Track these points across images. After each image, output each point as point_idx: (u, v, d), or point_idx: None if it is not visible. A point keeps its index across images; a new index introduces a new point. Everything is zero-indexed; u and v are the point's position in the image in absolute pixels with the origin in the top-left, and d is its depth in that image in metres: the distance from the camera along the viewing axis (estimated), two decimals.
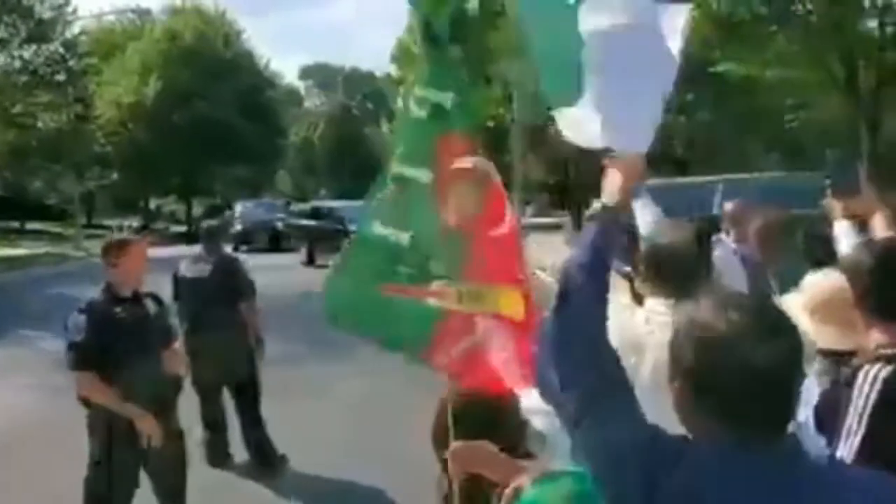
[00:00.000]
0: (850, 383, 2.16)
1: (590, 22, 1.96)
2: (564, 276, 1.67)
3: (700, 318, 1.39)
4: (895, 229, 2.69)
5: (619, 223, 1.85)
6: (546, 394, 1.61)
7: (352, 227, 20.29)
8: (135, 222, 46.00)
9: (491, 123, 39.92)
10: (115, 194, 46.09)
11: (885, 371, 2.10)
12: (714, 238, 5.25)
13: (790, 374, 1.35)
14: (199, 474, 5.04)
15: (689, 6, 2.08)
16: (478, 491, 2.02)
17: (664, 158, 24.36)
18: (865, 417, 2.06)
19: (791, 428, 1.39)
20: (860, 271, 2.32)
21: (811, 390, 2.41)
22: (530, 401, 2.15)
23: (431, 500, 2.78)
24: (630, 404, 1.50)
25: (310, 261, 21.79)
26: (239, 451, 6.22)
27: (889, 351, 2.15)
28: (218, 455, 6.16)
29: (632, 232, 3.23)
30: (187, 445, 4.54)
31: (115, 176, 42.92)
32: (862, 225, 3.37)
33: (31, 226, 39.73)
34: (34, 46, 31.99)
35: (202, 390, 6.02)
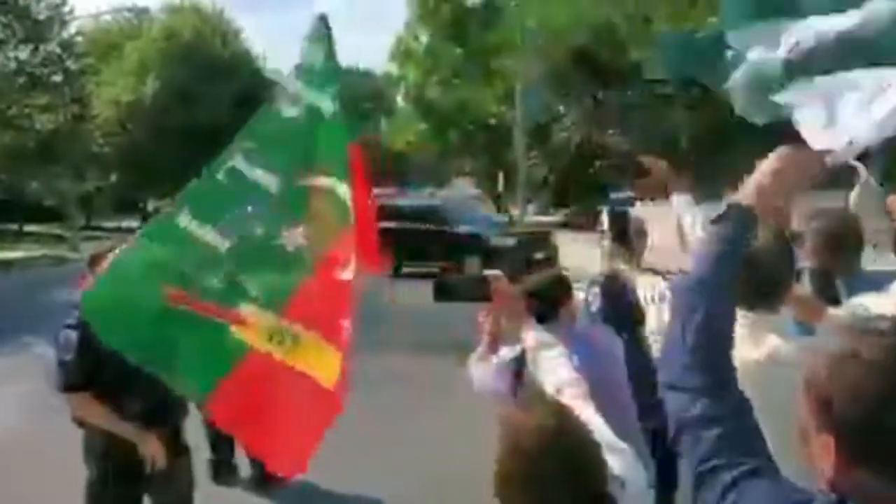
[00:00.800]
0: None
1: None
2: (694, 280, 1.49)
3: (852, 356, 1.11)
4: None
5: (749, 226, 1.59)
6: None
7: None
8: (134, 224, 45.95)
9: (493, 121, 39.85)
10: (114, 196, 45.88)
11: None
12: None
13: None
14: (204, 490, 4.82)
15: None
16: None
17: (668, 152, 24.15)
18: None
19: None
20: None
21: None
22: (603, 434, 1.88)
23: None
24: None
25: None
26: (244, 466, 6.03)
27: None
28: (222, 471, 6.00)
29: None
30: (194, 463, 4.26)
31: (113, 177, 42.70)
32: None
33: (28, 228, 39.50)
34: (30, 47, 31.78)
35: None
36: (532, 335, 2.39)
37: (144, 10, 42.77)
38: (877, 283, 3.20)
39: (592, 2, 28.05)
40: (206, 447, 5.93)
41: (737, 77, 1.75)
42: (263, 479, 5.80)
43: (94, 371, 3.62)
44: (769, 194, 1.60)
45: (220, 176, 3.93)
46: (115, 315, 3.37)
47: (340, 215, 3.63)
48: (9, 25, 30.75)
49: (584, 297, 4.19)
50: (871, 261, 3.77)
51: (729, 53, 1.75)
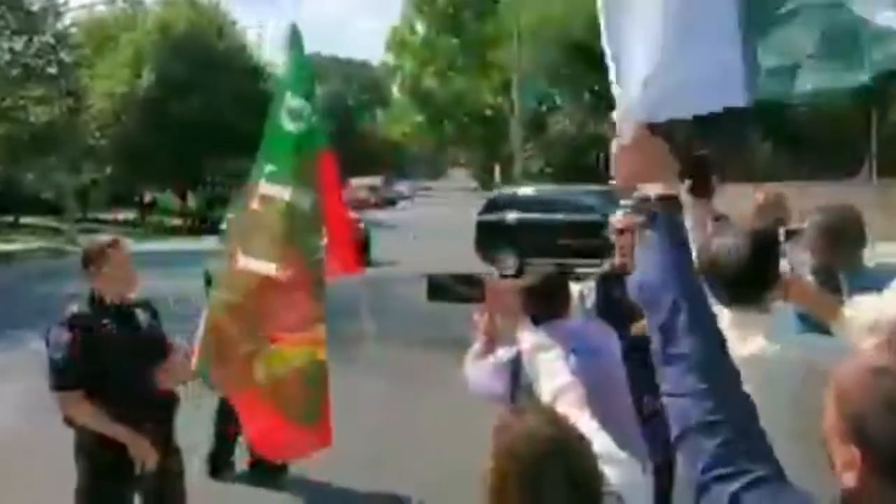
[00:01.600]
0: None
1: None
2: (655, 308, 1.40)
3: (887, 371, 1.08)
4: None
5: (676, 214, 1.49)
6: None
7: None
8: (130, 216, 45.78)
9: (489, 112, 39.78)
10: (110, 188, 45.72)
11: None
12: None
13: None
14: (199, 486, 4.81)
15: None
16: None
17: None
18: None
19: None
20: None
21: None
22: (601, 444, 1.86)
23: None
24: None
25: None
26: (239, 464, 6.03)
27: None
28: (221, 467, 6.01)
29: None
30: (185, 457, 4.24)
31: (109, 169, 42.54)
32: None
33: (25, 220, 39.38)
34: (24, 38, 31.57)
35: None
36: (528, 336, 2.37)
37: (139, 2, 42.58)
38: (879, 279, 3.19)
39: None
40: (205, 444, 5.93)
41: None
42: (265, 471, 5.80)
43: (85, 370, 3.57)
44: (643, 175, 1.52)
45: (254, 205, 4.17)
46: None
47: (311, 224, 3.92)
48: (2, 17, 30.53)
49: (579, 292, 4.17)
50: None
51: None
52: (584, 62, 29.86)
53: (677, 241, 1.45)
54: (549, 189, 19.44)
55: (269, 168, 4.05)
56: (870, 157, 16.99)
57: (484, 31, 36.76)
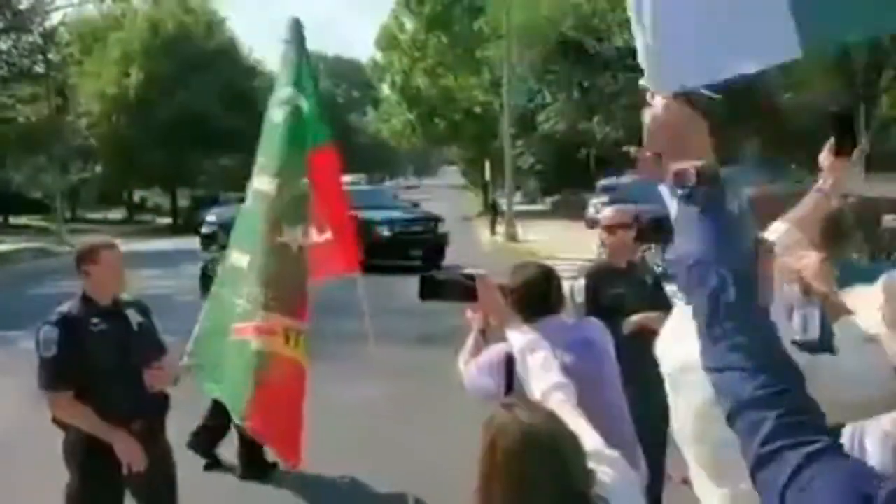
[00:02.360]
0: None
1: None
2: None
3: None
4: None
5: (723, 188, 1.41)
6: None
7: None
8: (119, 215, 45.62)
9: (479, 110, 39.76)
10: (99, 187, 45.55)
11: None
12: None
13: None
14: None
15: None
16: None
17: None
18: None
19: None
20: None
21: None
22: (594, 443, 1.86)
23: None
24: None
25: None
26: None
27: None
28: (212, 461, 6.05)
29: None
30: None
31: (98, 169, 42.37)
32: None
33: (14, 220, 39.20)
34: (12, 38, 31.39)
35: None
36: (519, 336, 2.36)
37: (127, 1, 42.36)
38: (868, 273, 3.19)
39: None
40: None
41: None
42: (258, 470, 5.81)
43: (75, 370, 3.55)
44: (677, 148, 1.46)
45: (247, 202, 4.10)
46: (211, 366, 3.81)
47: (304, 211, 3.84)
48: None
49: (570, 288, 4.18)
50: None
51: None
52: (574, 59, 29.90)
53: (723, 216, 1.39)
54: None
55: (260, 160, 4.03)
56: (860, 151, 17.03)
57: (473, 28, 36.71)
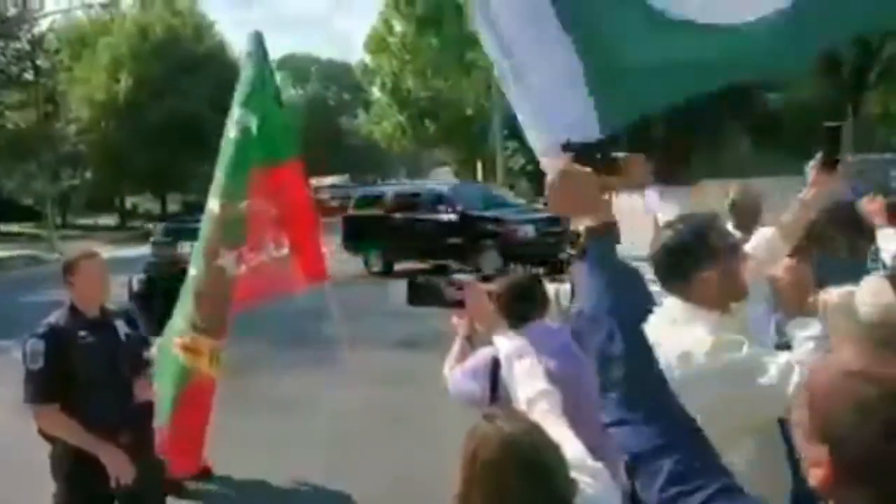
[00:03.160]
0: None
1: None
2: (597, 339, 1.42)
3: (861, 374, 1.07)
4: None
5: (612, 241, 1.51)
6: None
7: None
8: (110, 221, 45.46)
9: (470, 111, 39.73)
10: (90, 193, 45.40)
11: None
12: None
13: None
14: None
15: None
16: None
17: (644, 141, 24.20)
18: None
19: None
20: None
21: None
22: (577, 453, 1.88)
23: None
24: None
25: None
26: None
27: None
28: None
29: None
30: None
31: (88, 175, 42.23)
32: None
33: (5, 227, 39.03)
34: (0, 45, 31.29)
35: None
36: (504, 342, 2.38)
37: (114, 5, 42.25)
38: (847, 268, 3.23)
39: None
40: None
41: None
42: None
43: (61, 383, 3.54)
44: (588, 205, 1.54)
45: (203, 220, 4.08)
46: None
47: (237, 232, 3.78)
48: None
49: (555, 292, 4.19)
50: None
51: None
52: None
53: (609, 270, 1.46)
54: None
55: (216, 176, 3.99)
56: (845, 150, 17.16)
57: (463, 30, 36.70)
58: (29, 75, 32.27)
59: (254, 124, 3.84)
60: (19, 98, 32.21)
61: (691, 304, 2.31)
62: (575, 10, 1.69)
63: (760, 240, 3.19)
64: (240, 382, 8.59)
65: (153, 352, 4.00)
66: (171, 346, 3.71)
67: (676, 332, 2.23)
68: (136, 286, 6.41)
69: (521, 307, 2.98)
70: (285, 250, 3.90)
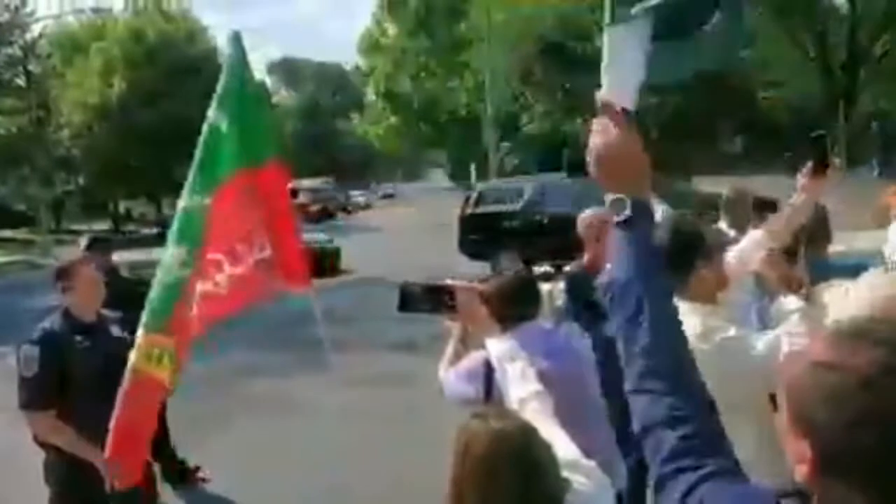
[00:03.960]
0: None
1: None
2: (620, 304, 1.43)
3: (838, 365, 1.07)
4: None
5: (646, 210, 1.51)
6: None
7: None
8: (104, 226, 45.38)
9: (464, 113, 39.80)
10: (84, 198, 45.33)
11: None
12: (713, 227, 5.05)
13: None
14: None
15: None
16: None
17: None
18: None
19: None
20: None
21: None
22: (569, 452, 1.88)
23: None
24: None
25: None
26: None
27: None
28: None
29: None
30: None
31: (81, 180, 42.19)
32: None
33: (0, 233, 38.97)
34: None
35: None
36: (496, 344, 2.38)
37: (107, 11, 42.25)
38: (842, 266, 3.26)
39: None
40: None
41: None
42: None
43: (55, 389, 3.52)
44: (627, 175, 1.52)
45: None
46: None
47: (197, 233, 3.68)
48: None
49: (549, 292, 4.19)
50: None
51: None
52: (556, 61, 29.99)
53: (647, 244, 1.48)
54: None
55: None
56: (839, 148, 17.22)
57: (455, 31, 36.77)
58: (21, 81, 32.21)
59: (224, 124, 3.77)
60: (12, 104, 32.13)
61: (686, 300, 2.36)
62: None
63: (750, 242, 3.23)
64: (240, 384, 8.63)
65: None
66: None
67: None
68: None
69: (514, 308, 2.97)
70: (268, 252, 3.84)
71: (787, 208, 3.07)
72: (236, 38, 4.00)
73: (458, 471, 1.69)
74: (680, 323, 1.46)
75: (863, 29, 18.29)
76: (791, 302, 2.45)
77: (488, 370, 2.73)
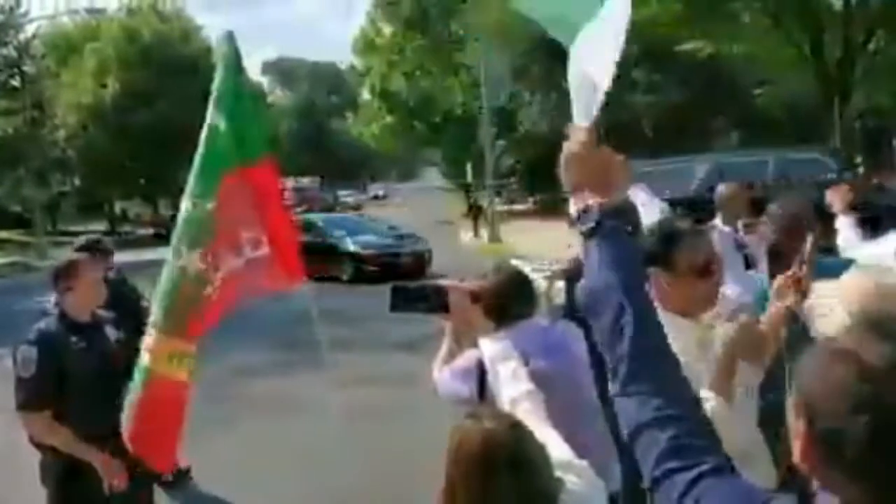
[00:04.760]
0: None
1: None
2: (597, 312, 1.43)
3: (847, 355, 1.07)
4: None
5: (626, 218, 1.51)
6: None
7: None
8: (100, 227, 45.29)
9: (459, 112, 39.76)
10: (79, 199, 45.26)
11: None
12: (709, 224, 5.07)
13: None
14: None
15: None
16: None
17: (633, 138, 24.28)
18: None
19: None
20: None
21: None
22: (561, 452, 1.89)
23: None
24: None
25: None
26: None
27: None
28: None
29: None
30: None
31: (77, 181, 42.12)
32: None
33: None
34: None
35: None
36: (489, 344, 2.38)
37: (101, 11, 42.14)
38: (832, 266, 3.26)
39: None
40: None
41: None
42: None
43: (52, 390, 3.51)
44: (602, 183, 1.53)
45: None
46: None
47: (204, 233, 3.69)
48: None
49: (545, 289, 4.18)
50: None
51: None
52: (550, 59, 29.97)
53: (621, 248, 1.48)
54: None
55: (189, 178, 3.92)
56: (833, 144, 17.26)
57: (450, 30, 36.76)
58: (16, 82, 32.15)
59: (222, 123, 3.78)
60: (6, 104, 32.07)
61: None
62: None
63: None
64: (240, 385, 8.63)
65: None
66: (141, 349, 3.65)
67: None
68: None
69: (510, 306, 2.97)
70: (264, 249, 3.84)
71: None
72: (229, 37, 4.00)
73: (452, 470, 1.70)
74: (661, 324, 1.47)
75: (856, 25, 18.30)
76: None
77: (482, 370, 2.73)
